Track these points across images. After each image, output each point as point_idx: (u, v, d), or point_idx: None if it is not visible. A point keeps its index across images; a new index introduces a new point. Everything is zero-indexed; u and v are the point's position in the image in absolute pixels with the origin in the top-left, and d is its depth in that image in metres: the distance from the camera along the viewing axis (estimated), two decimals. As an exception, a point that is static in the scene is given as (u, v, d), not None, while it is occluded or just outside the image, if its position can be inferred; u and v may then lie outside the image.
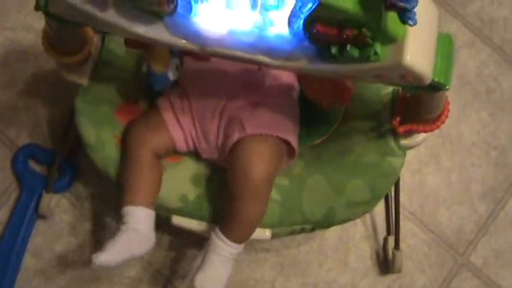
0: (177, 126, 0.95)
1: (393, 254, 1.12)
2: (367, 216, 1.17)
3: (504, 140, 1.21)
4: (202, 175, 0.99)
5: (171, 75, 0.84)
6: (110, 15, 0.64)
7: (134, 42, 0.85)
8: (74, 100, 0.96)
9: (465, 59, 1.24)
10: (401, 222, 1.14)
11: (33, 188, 1.15)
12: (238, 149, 0.89)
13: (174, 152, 0.98)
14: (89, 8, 0.63)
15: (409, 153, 1.14)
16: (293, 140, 0.95)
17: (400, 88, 0.91)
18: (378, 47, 0.62)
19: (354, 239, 1.17)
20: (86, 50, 0.89)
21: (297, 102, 0.99)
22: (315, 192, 0.96)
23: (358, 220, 1.17)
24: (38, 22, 1.18)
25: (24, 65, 1.19)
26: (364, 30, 0.59)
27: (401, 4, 0.56)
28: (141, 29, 0.68)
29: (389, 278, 1.16)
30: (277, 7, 0.64)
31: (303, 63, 0.68)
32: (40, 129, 1.18)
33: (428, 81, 0.65)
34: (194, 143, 0.97)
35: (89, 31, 0.90)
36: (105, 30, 0.74)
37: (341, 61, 0.65)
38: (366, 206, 0.96)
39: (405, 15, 0.58)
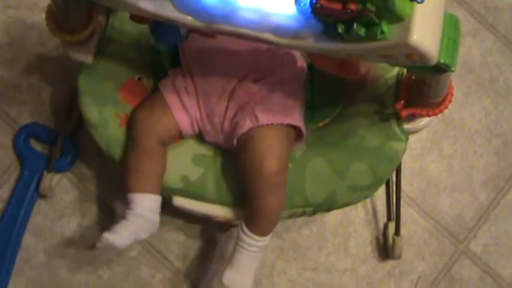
0: (182, 110, 0.94)
1: (393, 240, 1.12)
2: (368, 201, 1.17)
3: (506, 128, 1.21)
4: (204, 156, 0.99)
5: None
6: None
7: (140, 17, 0.85)
8: (77, 78, 0.95)
9: (469, 47, 1.24)
10: (402, 209, 1.15)
11: (35, 167, 1.15)
12: (248, 140, 0.90)
13: (179, 137, 0.97)
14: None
15: (411, 139, 1.14)
16: (302, 125, 0.95)
17: (404, 71, 0.91)
18: (385, 26, 0.62)
19: (355, 224, 1.17)
20: (90, 27, 0.89)
21: (304, 85, 0.99)
22: (317, 175, 0.96)
23: (358, 205, 1.17)
24: (42, 0, 1.18)
25: (27, 43, 1.19)
26: (368, 5, 0.59)
27: (410, -21, 0.56)
28: (148, 5, 0.68)
29: (389, 264, 1.16)
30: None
31: (309, 42, 0.68)
32: (42, 107, 1.18)
33: (434, 61, 0.65)
34: (199, 126, 0.96)
35: (94, 8, 0.89)
36: (111, 6, 0.74)
37: (347, 40, 0.65)
38: (368, 190, 0.96)
39: (413, -6, 0.58)
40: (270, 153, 0.88)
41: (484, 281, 1.17)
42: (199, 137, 0.99)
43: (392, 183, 1.13)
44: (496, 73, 1.23)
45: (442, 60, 0.67)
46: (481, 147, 1.21)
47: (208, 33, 0.86)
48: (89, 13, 0.87)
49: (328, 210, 1.00)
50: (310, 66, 1.02)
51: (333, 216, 1.17)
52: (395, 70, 0.94)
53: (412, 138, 1.14)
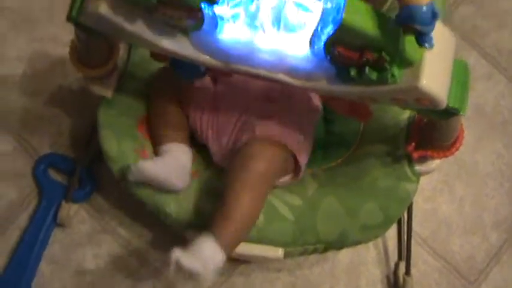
0: (198, 116, 0.98)
1: (404, 279, 1.13)
2: (379, 240, 1.18)
3: (518, 172, 1.22)
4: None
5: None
6: (138, 28, 0.67)
7: (160, 55, 0.88)
8: (97, 112, 0.98)
9: (482, 90, 1.25)
10: (413, 248, 1.15)
11: (53, 196, 1.17)
12: (243, 146, 0.92)
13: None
14: (119, 19, 0.66)
15: (423, 180, 1.16)
16: (301, 157, 0.97)
17: (416, 114, 0.93)
18: (396, 70, 0.64)
19: (366, 262, 1.18)
20: (111, 63, 0.92)
21: (315, 125, 1.01)
22: (329, 214, 0.98)
23: (370, 244, 1.18)
24: (66, 35, 1.22)
25: (50, 75, 1.22)
26: (383, 53, 0.61)
27: (419, 27, 0.58)
28: (167, 43, 0.70)
29: (399, 303, 1.17)
30: (299, 28, 0.66)
31: (322, 84, 0.71)
32: (63, 138, 1.20)
33: (443, 105, 0.67)
34: (207, 139, 0.99)
35: (115, 44, 0.93)
36: (132, 43, 0.77)
37: (359, 83, 0.67)
38: (379, 229, 0.98)
39: (422, 38, 0.60)
40: (260, 155, 0.89)
41: (494, 324, 1.17)
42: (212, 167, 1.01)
43: (403, 223, 1.14)
44: (508, 116, 1.24)
45: (451, 105, 0.69)
46: (493, 189, 1.22)
47: (224, 72, 0.90)
48: (110, 49, 0.91)
49: (340, 248, 1.01)
50: (325, 108, 1.04)
51: (345, 255, 1.17)
52: (408, 113, 0.96)
53: (424, 179, 1.16)
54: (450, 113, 0.72)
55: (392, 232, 1.17)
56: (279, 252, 1.00)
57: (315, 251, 1.02)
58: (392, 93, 0.67)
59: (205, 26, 0.69)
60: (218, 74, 0.96)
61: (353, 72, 0.66)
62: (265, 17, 0.67)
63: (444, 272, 1.19)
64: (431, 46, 0.62)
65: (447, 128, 0.82)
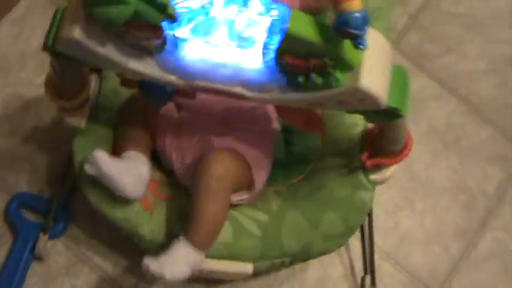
0: (162, 137, 1.04)
1: (370, 290, 1.19)
2: (345, 256, 1.24)
3: (472, 184, 1.30)
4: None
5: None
6: (109, 51, 0.74)
7: (129, 81, 0.95)
8: (72, 143, 1.04)
9: (434, 110, 1.34)
10: (378, 263, 1.21)
11: (28, 235, 1.20)
12: (203, 157, 0.98)
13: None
14: (91, 43, 0.73)
15: (385, 197, 1.23)
16: (256, 171, 1.02)
17: (368, 126, 1.01)
18: (339, 74, 0.72)
19: (333, 278, 1.23)
20: (84, 94, 0.98)
21: (273, 146, 1.07)
22: (293, 227, 1.03)
23: (336, 260, 1.24)
24: (39, 77, 1.30)
25: (24, 116, 1.29)
26: (326, 59, 0.69)
27: (354, 31, 0.66)
28: (135, 65, 0.77)
29: (367, 316, 1.21)
30: (251, 41, 0.73)
31: (275, 94, 0.78)
32: (38, 175, 1.25)
33: (384, 104, 0.74)
34: (171, 160, 1.05)
35: (87, 76, 1.00)
36: (104, 67, 0.83)
37: (308, 89, 0.74)
38: (340, 238, 1.03)
39: (357, 41, 0.68)
40: (219, 161, 0.95)
41: (460, 331, 1.22)
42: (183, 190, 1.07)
43: (366, 238, 1.20)
44: (461, 133, 1.33)
45: (392, 105, 0.76)
46: (450, 202, 1.29)
47: (189, 95, 0.97)
48: (83, 81, 0.97)
49: (305, 260, 1.07)
50: (285, 130, 1.12)
51: (313, 272, 1.23)
52: (361, 126, 1.04)
53: (385, 196, 1.23)
54: (393, 114, 0.79)
55: (357, 248, 1.23)
56: (249, 267, 1.04)
57: (282, 265, 1.07)
58: (337, 96, 0.75)
59: (167, 47, 0.76)
60: (182, 100, 1.03)
61: (301, 79, 0.73)
62: (220, 33, 0.74)
63: (408, 284, 1.24)
64: (365, 47, 0.69)
65: (394, 133, 0.89)
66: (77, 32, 0.72)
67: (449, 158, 1.32)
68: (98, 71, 1.05)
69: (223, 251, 1.03)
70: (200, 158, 1.00)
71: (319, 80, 0.72)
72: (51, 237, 1.20)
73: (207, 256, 1.01)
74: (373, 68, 0.73)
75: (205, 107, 1.02)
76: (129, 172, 0.97)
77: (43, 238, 1.19)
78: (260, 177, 1.02)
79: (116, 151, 1.02)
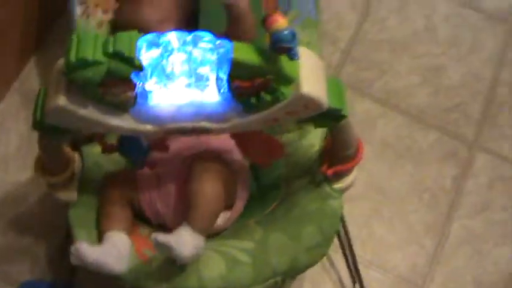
0: (143, 192, 1.15)
1: (360, 296, 1.29)
2: (332, 272, 1.35)
3: (430, 184, 1.44)
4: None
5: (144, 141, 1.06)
6: (91, 113, 0.87)
7: (108, 148, 1.08)
8: (68, 214, 1.14)
9: (382, 127, 1.49)
10: (363, 271, 1.32)
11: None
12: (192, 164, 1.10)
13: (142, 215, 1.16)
14: (74, 108, 0.86)
15: (355, 211, 1.36)
16: (239, 188, 1.14)
17: (323, 143, 1.15)
18: (283, 89, 0.86)
19: (325, 295, 1.34)
20: (70, 169, 1.10)
21: (245, 172, 1.19)
22: (278, 247, 1.13)
23: (326, 278, 1.35)
24: (23, 176, 1.42)
25: (16, 212, 1.39)
26: (268, 76, 0.83)
27: (286, 45, 0.81)
28: (115, 121, 0.89)
29: (364, 322, 1.32)
30: (206, 79, 0.88)
31: (235, 121, 0.91)
32: (38, 264, 1.35)
33: (325, 106, 0.88)
34: (158, 212, 1.15)
35: (71, 154, 1.12)
36: (87, 129, 0.95)
37: (261, 108, 0.88)
38: (322, 248, 1.13)
39: (291, 53, 0.82)
40: (207, 160, 1.09)
41: (451, 317, 1.33)
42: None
43: (346, 249, 1.31)
44: (409, 142, 1.48)
45: (333, 105, 0.90)
46: (414, 204, 1.42)
47: (162, 147, 1.10)
48: (66, 157, 1.10)
49: (294, 276, 1.17)
50: (253, 168, 1.25)
51: (306, 291, 1.33)
52: (317, 146, 1.17)
53: (355, 211, 1.36)
54: (336, 116, 0.93)
55: (341, 263, 1.34)
56: (245, 294, 1.14)
57: (275, 285, 1.16)
58: (286, 107, 0.88)
59: (138, 100, 0.89)
60: (155, 156, 1.15)
61: (253, 100, 0.87)
62: (179, 76, 0.88)
63: (396, 284, 1.35)
64: (298, 57, 0.84)
65: (344, 138, 1.02)
66: (61, 100, 0.85)
67: (405, 165, 1.46)
68: (79, 149, 1.17)
69: (219, 283, 1.11)
70: (182, 195, 1.11)
71: (268, 98, 0.86)
72: (58, 318, 1.28)
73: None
74: (310, 78, 0.87)
75: (175, 156, 1.14)
76: (109, 254, 1.05)
77: (55, 316, 1.27)
78: (241, 198, 1.15)
79: (100, 229, 1.12)
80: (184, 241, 1.00)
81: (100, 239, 1.10)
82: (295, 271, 1.14)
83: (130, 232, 1.14)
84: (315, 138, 1.18)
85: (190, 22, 1.18)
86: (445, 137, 1.48)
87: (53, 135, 0.95)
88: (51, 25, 1.55)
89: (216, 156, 1.13)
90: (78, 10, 1.22)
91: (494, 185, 1.44)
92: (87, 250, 1.03)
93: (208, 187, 1.06)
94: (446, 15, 1.62)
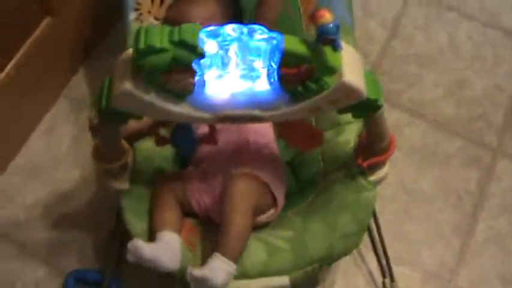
0: (191, 189, 1.23)
1: (391, 287, 1.37)
2: (363, 268, 1.42)
3: (455, 187, 1.52)
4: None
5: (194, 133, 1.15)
6: (153, 98, 0.96)
7: (162, 140, 1.18)
8: (120, 201, 1.24)
9: (409, 135, 1.58)
10: (394, 268, 1.39)
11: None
12: (227, 185, 1.17)
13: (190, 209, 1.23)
14: (139, 93, 0.96)
15: (386, 210, 1.44)
16: (277, 190, 1.22)
17: (358, 139, 1.24)
18: (327, 78, 0.96)
19: (358, 288, 1.41)
20: (124, 158, 1.20)
21: (282, 168, 1.28)
22: (315, 234, 1.22)
23: (357, 272, 1.42)
24: (72, 175, 1.52)
25: (66, 207, 1.49)
26: (313, 63, 0.93)
27: (331, 36, 0.91)
28: (174, 108, 0.98)
29: (395, 314, 1.39)
30: (258, 69, 0.98)
31: (283, 110, 1.00)
32: (86, 255, 1.43)
33: (364, 95, 0.97)
34: (206, 206, 1.23)
35: (126, 145, 1.22)
36: (148, 114, 1.04)
37: (306, 97, 0.98)
38: (356, 236, 1.21)
39: (335, 44, 0.92)
40: (240, 181, 1.15)
41: (479, 310, 1.40)
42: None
43: (377, 244, 1.39)
44: (435, 148, 1.56)
45: (371, 96, 1.00)
46: (441, 205, 1.50)
47: (212, 140, 1.20)
48: (122, 146, 1.19)
49: (330, 263, 1.23)
50: (291, 164, 1.34)
51: (340, 286, 1.41)
52: (352, 142, 1.26)
53: (386, 211, 1.44)
54: (373, 105, 1.02)
55: (372, 259, 1.42)
56: (286, 279, 1.21)
57: (313, 272, 1.23)
58: (329, 96, 0.97)
59: (196, 88, 0.99)
60: (201, 152, 1.25)
61: (300, 89, 0.97)
62: (235, 66, 0.98)
63: (425, 280, 1.42)
64: (341, 48, 0.94)
65: (378, 130, 1.11)
66: (127, 85, 0.95)
67: (431, 169, 1.54)
68: (131, 145, 1.28)
69: (260, 268, 1.19)
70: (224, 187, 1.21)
71: (313, 86, 0.96)
72: (107, 307, 1.36)
73: (248, 276, 1.18)
74: (351, 69, 0.97)
75: (219, 150, 1.24)
76: (164, 252, 1.13)
77: (103, 301, 1.35)
78: (280, 194, 1.23)
79: (153, 229, 1.19)
80: (218, 271, 1.08)
81: (152, 237, 1.17)
82: (331, 258, 1.22)
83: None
84: (350, 135, 1.28)
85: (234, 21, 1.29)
86: (469, 144, 1.57)
87: (115, 121, 1.06)
88: (101, 39, 1.67)
89: (252, 168, 1.21)
90: (132, 15, 1.34)
91: (516, 189, 1.51)
92: (143, 247, 1.10)
93: (239, 218, 1.13)
94: (468, 32, 1.72)
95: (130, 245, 1.11)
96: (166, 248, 1.14)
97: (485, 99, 1.63)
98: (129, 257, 1.11)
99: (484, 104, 1.62)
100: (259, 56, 0.96)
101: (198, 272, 1.08)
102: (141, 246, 1.10)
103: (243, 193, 1.15)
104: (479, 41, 1.73)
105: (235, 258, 1.13)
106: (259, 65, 0.97)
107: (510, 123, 1.60)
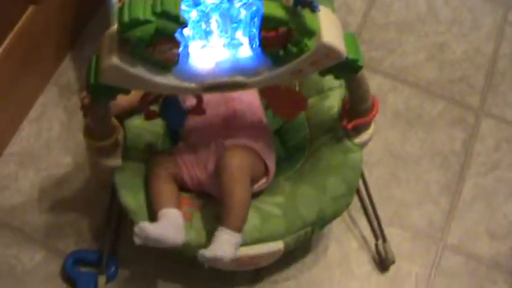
0: (184, 166, 1.26)
1: (384, 248, 1.40)
2: (357, 233, 1.46)
3: (441, 147, 1.55)
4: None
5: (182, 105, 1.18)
6: (139, 71, 0.99)
7: (151, 114, 1.21)
8: (114, 177, 1.26)
9: (393, 100, 1.61)
10: (385, 230, 1.42)
11: (87, 284, 1.38)
12: (220, 159, 1.20)
13: (184, 186, 1.27)
14: (125, 66, 0.98)
15: (374, 175, 1.47)
16: (267, 158, 1.25)
17: (342, 102, 1.27)
18: (307, 41, 0.98)
19: (351, 252, 1.44)
20: (115, 135, 1.22)
21: (270, 138, 1.31)
22: (305, 198, 1.25)
23: (350, 238, 1.45)
24: (64, 158, 1.54)
25: (60, 192, 1.51)
26: (290, 26, 0.96)
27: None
28: (160, 79, 1.01)
29: (389, 274, 1.42)
30: (238, 33, 1.00)
31: (266, 75, 1.03)
32: (83, 237, 1.45)
33: (344, 55, 1.00)
34: (199, 180, 1.26)
35: (116, 123, 1.25)
36: (135, 88, 1.07)
37: (288, 59, 1.00)
38: (346, 197, 1.25)
39: (313, 6, 0.95)
40: (235, 155, 1.18)
41: (469, 265, 1.43)
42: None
43: (367, 207, 1.43)
44: (419, 111, 1.60)
45: (350, 57, 1.03)
46: (428, 166, 1.53)
47: (200, 110, 1.23)
48: (112, 124, 1.22)
49: (322, 226, 1.26)
50: (279, 132, 1.37)
51: (333, 252, 1.43)
52: (336, 107, 1.29)
53: (374, 176, 1.47)
54: (354, 66, 1.05)
55: (363, 223, 1.46)
56: (280, 244, 1.25)
57: (305, 236, 1.27)
58: (310, 58, 1.00)
59: (181, 59, 1.01)
60: (190, 124, 1.27)
61: (281, 52, 1.00)
62: (216, 33, 1.01)
63: (415, 239, 1.46)
64: (319, 10, 0.96)
65: (360, 91, 1.14)
66: (114, 59, 0.98)
67: (417, 132, 1.57)
68: (121, 120, 1.30)
69: (254, 234, 1.22)
70: (218, 160, 1.24)
71: (294, 49, 0.98)
72: (107, 281, 1.38)
73: (243, 244, 1.21)
74: (330, 30, 0.99)
75: (208, 122, 1.27)
76: (169, 229, 1.17)
77: (101, 281, 1.37)
78: (271, 162, 1.26)
79: (152, 206, 1.22)
80: (226, 246, 1.13)
81: (154, 217, 1.21)
82: (323, 221, 1.26)
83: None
84: (334, 100, 1.31)
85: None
86: (452, 105, 1.60)
87: (104, 97, 1.08)
88: (86, 24, 1.69)
89: (243, 138, 1.24)
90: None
91: (500, 147, 1.55)
92: (149, 228, 1.14)
93: (239, 190, 1.16)
94: (445, -3, 1.75)
95: (136, 228, 1.14)
96: (170, 225, 1.17)
97: (466, 62, 1.66)
98: (136, 240, 1.15)
99: (465, 66, 1.66)
100: (239, 22, 0.99)
101: (208, 252, 1.12)
102: (147, 228, 1.14)
103: (239, 166, 1.18)
104: (456, 5, 1.76)
105: (240, 229, 1.17)
106: (241, 30, 1.00)
107: (491, 84, 1.63)
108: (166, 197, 1.22)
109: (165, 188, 1.23)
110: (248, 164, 1.20)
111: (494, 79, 1.63)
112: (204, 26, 0.99)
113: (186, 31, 0.98)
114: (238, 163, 1.18)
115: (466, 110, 1.59)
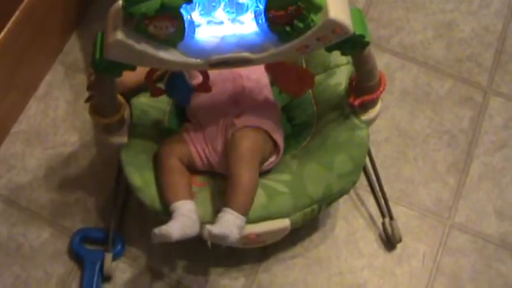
0: (193, 146, 1.25)
1: (390, 225, 1.40)
2: (364, 210, 1.45)
3: (449, 126, 1.54)
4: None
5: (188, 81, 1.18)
6: (144, 47, 0.98)
7: (157, 91, 1.20)
8: (120, 154, 1.26)
9: (401, 78, 1.60)
10: (392, 207, 1.41)
11: (94, 261, 1.39)
12: (231, 138, 1.20)
13: (193, 168, 1.26)
14: (130, 42, 0.98)
15: (382, 153, 1.46)
16: (276, 137, 1.24)
17: (349, 79, 1.26)
18: (313, 16, 0.97)
19: (358, 230, 1.44)
20: (121, 112, 1.22)
21: (279, 115, 1.31)
22: (312, 175, 1.24)
23: (357, 215, 1.45)
24: (71, 137, 1.54)
25: (67, 170, 1.51)
26: (299, 3, 0.95)
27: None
28: (165, 55, 1.00)
29: (396, 252, 1.41)
30: (245, 9, 0.99)
31: (273, 51, 1.02)
32: (89, 215, 1.45)
33: (351, 30, 0.99)
34: (208, 160, 1.26)
35: (122, 100, 1.24)
36: (140, 64, 1.06)
37: (294, 36, 1.00)
38: (353, 175, 1.24)
39: (320, -18, 0.94)
40: (245, 137, 1.18)
41: (476, 244, 1.42)
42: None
43: (374, 186, 1.42)
44: (427, 89, 1.58)
45: (357, 32, 1.02)
46: (436, 144, 1.52)
47: (206, 87, 1.22)
48: (118, 100, 1.21)
49: (329, 203, 1.26)
50: (286, 108, 1.36)
51: (340, 230, 1.43)
52: (344, 84, 1.28)
53: (381, 152, 1.46)
54: (360, 42, 1.04)
55: (371, 201, 1.45)
56: (286, 221, 1.24)
57: (312, 213, 1.27)
58: (316, 33, 0.99)
59: (186, 35, 1.01)
60: (197, 102, 1.27)
61: (288, 29, 0.99)
62: (221, 8, 1.00)
63: (423, 218, 1.45)
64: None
65: (367, 67, 1.13)
66: (119, 35, 0.97)
67: (425, 110, 1.56)
68: (127, 99, 1.30)
69: (261, 212, 1.22)
70: (227, 139, 1.23)
71: (300, 25, 0.97)
72: (114, 259, 1.39)
73: (250, 221, 1.21)
74: (336, 6, 0.98)
75: (215, 100, 1.26)
76: (186, 226, 1.16)
77: (108, 258, 1.37)
78: (280, 139, 1.25)
79: (166, 200, 1.21)
80: (232, 227, 1.12)
81: (167, 209, 1.20)
82: (329, 198, 1.25)
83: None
84: (341, 77, 1.30)
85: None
86: (461, 84, 1.59)
87: (109, 73, 1.08)
88: (92, 1, 1.68)
89: (251, 116, 1.24)
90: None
91: (508, 125, 1.53)
92: (169, 232, 1.11)
93: (248, 173, 1.15)
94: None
95: (157, 231, 1.12)
96: (187, 221, 1.16)
97: (474, 40, 1.65)
98: (156, 240, 1.13)
99: (473, 44, 1.64)
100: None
101: (216, 229, 1.10)
102: (167, 234, 1.11)
103: (248, 148, 1.18)
104: (465, -18, 1.73)
105: (246, 212, 1.16)
106: (247, 4, 0.99)
107: (499, 62, 1.62)
108: (180, 189, 1.21)
109: (179, 180, 1.22)
110: (259, 146, 1.20)
111: (502, 57, 1.61)
112: (209, 1, 0.98)
113: (192, 6, 0.97)
114: (248, 146, 1.18)
115: (474, 88, 1.58)
